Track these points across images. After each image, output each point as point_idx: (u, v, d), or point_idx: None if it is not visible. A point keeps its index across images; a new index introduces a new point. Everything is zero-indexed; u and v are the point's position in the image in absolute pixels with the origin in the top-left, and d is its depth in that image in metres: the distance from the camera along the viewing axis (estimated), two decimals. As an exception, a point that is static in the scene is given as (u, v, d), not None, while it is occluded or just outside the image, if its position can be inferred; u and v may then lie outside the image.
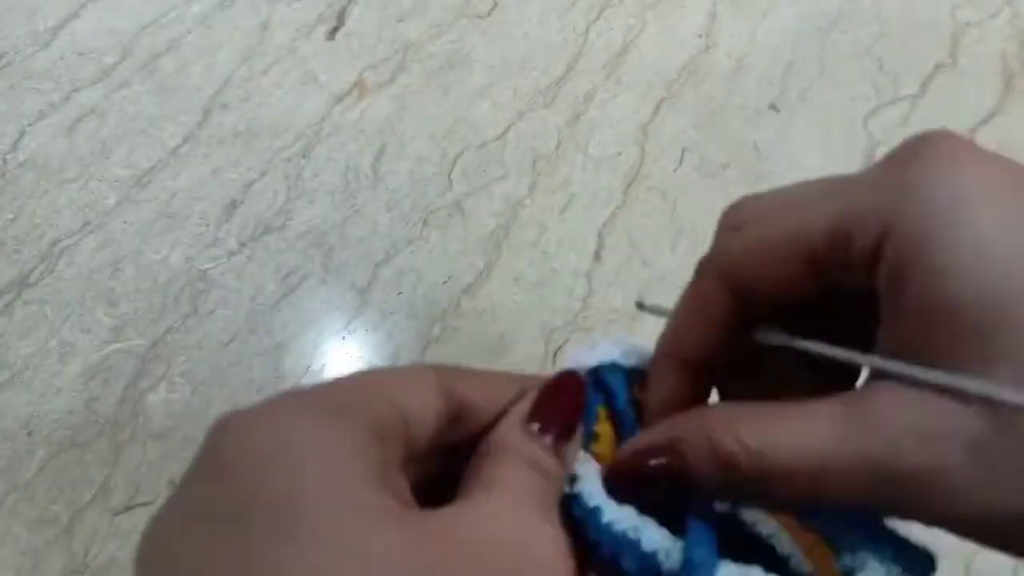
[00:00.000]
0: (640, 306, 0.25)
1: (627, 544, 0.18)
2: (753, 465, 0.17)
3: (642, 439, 0.20)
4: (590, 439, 0.21)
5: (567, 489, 0.20)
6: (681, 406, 0.21)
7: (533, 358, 0.57)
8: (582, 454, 0.20)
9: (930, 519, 0.17)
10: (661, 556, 0.18)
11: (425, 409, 0.19)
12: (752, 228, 0.21)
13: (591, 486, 0.20)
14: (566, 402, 0.21)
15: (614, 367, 0.22)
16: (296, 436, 0.16)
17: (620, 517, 0.19)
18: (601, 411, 0.22)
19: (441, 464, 0.20)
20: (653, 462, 0.19)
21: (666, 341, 0.22)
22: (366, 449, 0.16)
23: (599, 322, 0.59)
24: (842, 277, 0.19)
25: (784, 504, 0.19)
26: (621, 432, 0.22)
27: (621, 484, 0.20)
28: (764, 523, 0.20)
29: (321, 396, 0.18)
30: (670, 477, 0.19)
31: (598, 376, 0.22)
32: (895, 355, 0.17)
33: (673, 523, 0.19)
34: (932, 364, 0.16)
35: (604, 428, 0.22)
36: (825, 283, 0.20)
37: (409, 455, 0.19)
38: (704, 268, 0.22)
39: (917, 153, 0.18)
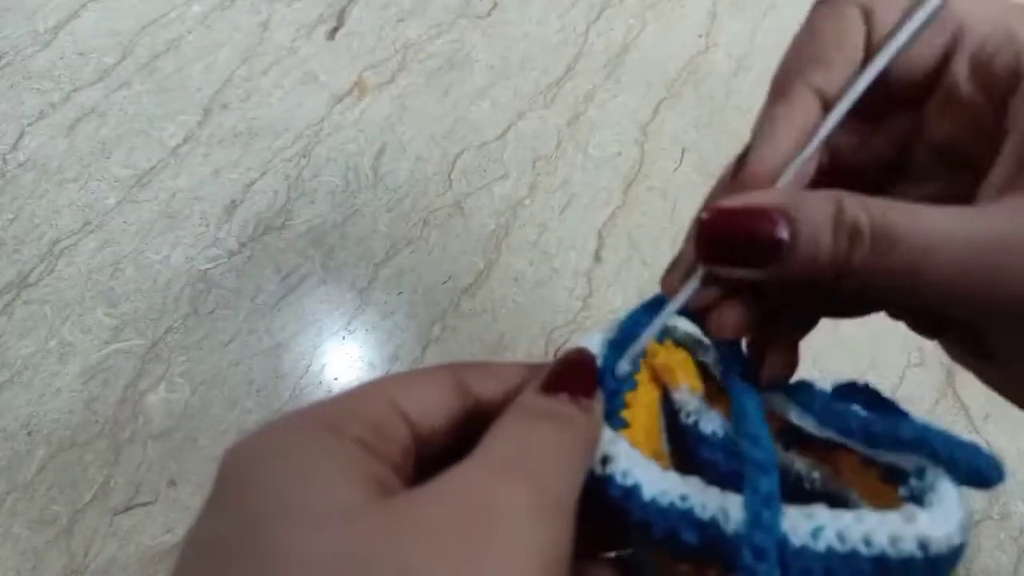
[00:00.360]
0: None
1: (680, 516, 0.17)
2: (880, 235, 0.16)
3: (757, 196, 0.18)
4: (617, 423, 0.19)
5: (598, 470, 0.18)
6: (798, 142, 0.19)
7: (533, 358, 0.57)
8: (609, 434, 0.19)
9: None
10: (720, 519, 0.16)
11: (431, 407, 0.18)
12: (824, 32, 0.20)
13: (626, 463, 0.18)
14: (581, 371, 0.19)
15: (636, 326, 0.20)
16: (283, 451, 0.16)
17: (664, 489, 0.17)
18: (639, 385, 0.20)
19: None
20: (769, 215, 0.17)
21: (800, 60, 0.20)
22: (346, 456, 0.16)
23: (599, 322, 0.59)
24: (974, 84, 0.19)
25: (888, 288, 0.17)
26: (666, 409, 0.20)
27: (711, 239, 0.18)
28: (813, 470, 0.19)
29: (319, 410, 0.17)
30: (772, 246, 0.17)
31: (622, 346, 0.20)
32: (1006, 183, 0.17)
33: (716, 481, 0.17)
34: None
35: (637, 413, 0.20)
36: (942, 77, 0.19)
37: (419, 453, 0.18)
38: (786, 73, 0.20)
39: None
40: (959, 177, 0.19)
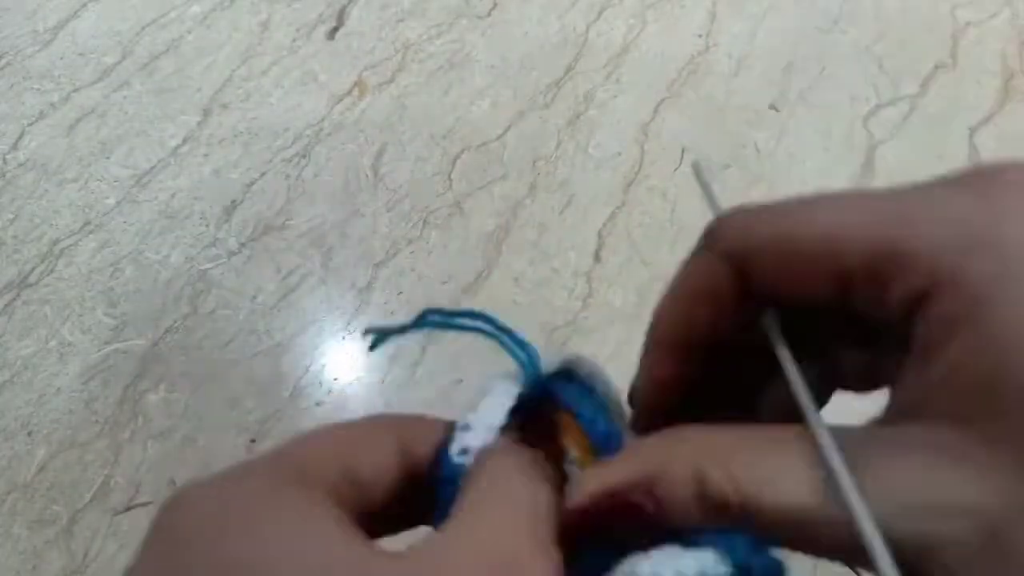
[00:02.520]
0: (697, 170, 0.21)
1: None
2: (742, 508, 0.15)
3: (614, 471, 0.17)
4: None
5: None
6: (673, 400, 0.19)
7: (533, 358, 0.57)
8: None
9: None
10: None
11: (378, 474, 0.18)
12: (782, 218, 0.18)
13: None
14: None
15: (561, 377, 0.20)
16: (252, 499, 0.16)
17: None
18: (565, 423, 0.20)
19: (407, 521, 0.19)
20: (628, 499, 0.17)
21: (663, 320, 0.20)
22: (325, 506, 0.16)
23: (599, 322, 0.59)
24: (868, 307, 0.16)
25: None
26: (594, 443, 0.19)
27: (586, 524, 0.17)
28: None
29: (273, 462, 0.17)
30: (642, 519, 0.16)
31: (547, 390, 0.20)
32: (908, 408, 0.15)
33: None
34: (942, 427, 0.14)
35: (573, 441, 0.19)
36: (846, 307, 0.17)
37: (364, 517, 0.17)
38: (713, 242, 0.19)
39: (989, 187, 0.15)
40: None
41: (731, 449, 0.16)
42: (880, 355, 0.17)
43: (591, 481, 0.18)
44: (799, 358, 0.18)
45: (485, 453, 0.18)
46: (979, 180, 0.15)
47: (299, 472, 0.16)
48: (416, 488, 0.18)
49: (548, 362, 0.20)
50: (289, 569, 0.14)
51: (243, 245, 0.63)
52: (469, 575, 0.14)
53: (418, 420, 0.20)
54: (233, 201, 0.66)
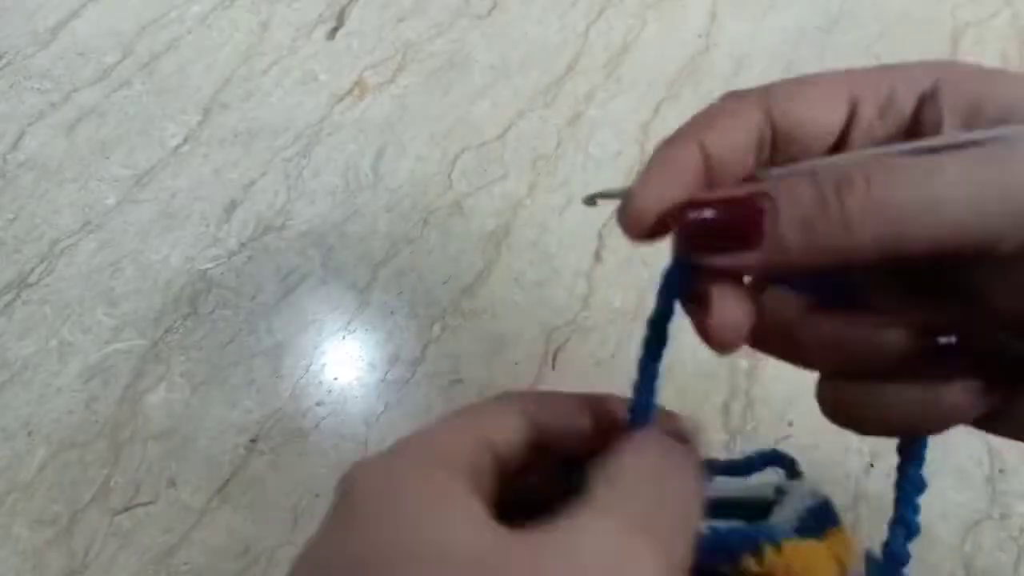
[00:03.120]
0: (590, 201, 0.23)
1: None
2: (876, 167, 0.16)
3: (728, 190, 0.18)
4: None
5: None
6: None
7: (533, 358, 0.57)
8: None
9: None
10: None
11: (511, 441, 0.20)
12: (796, 78, 0.21)
13: None
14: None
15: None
16: (407, 490, 0.17)
17: None
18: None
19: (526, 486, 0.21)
20: (740, 206, 0.17)
21: (694, 128, 0.20)
22: (468, 499, 0.17)
23: (599, 322, 0.59)
24: (880, 119, 0.19)
25: (872, 248, 0.16)
26: None
27: (693, 224, 0.18)
28: None
29: (426, 448, 0.19)
30: (755, 215, 0.17)
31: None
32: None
33: None
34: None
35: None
36: (861, 125, 0.19)
37: (502, 484, 0.20)
38: (742, 92, 0.21)
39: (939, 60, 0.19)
40: None
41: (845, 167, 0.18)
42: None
43: (705, 193, 0.19)
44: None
45: (641, 439, 0.19)
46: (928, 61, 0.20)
47: (446, 456, 0.18)
48: (547, 462, 0.21)
49: None
50: (439, 556, 0.16)
51: (243, 245, 0.63)
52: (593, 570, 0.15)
53: (542, 394, 0.22)
54: (233, 201, 0.66)
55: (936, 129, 0.18)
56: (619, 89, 0.73)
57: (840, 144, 0.20)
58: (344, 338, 0.58)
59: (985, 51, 0.76)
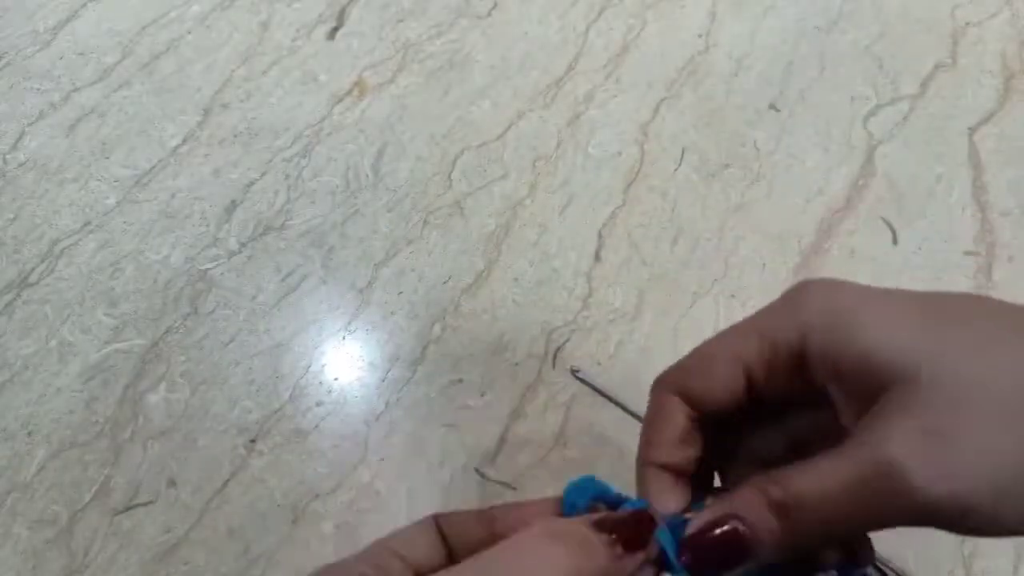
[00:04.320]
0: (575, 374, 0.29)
1: None
2: (797, 505, 0.22)
3: (705, 514, 0.24)
4: None
5: None
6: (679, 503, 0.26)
7: (533, 358, 0.57)
8: None
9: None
10: None
11: (419, 544, 0.24)
12: (695, 352, 0.27)
13: None
14: (633, 533, 0.24)
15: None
16: None
17: None
18: None
19: None
20: (719, 531, 0.23)
21: (644, 451, 0.27)
22: None
23: (599, 322, 0.59)
24: (769, 379, 0.25)
25: (825, 537, 0.23)
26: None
27: (697, 555, 0.23)
28: None
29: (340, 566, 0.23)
30: (736, 541, 0.22)
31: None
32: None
33: None
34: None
35: None
36: (756, 387, 0.26)
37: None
38: (658, 384, 0.28)
39: (805, 287, 0.25)
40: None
41: (779, 474, 0.23)
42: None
43: (694, 522, 0.24)
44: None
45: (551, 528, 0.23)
46: (798, 286, 0.26)
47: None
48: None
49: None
50: None
51: (243, 245, 0.63)
52: None
53: (455, 515, 0.25)
54: (233, 201, 0.66)
55: (818, 381, 0.24)
56: (619, 89, 0.73)
57: (751, 396, 0.26)
58: (344, 338, 0.58)
59: (985, 51, 0.76)
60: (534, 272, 0.62)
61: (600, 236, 0.64)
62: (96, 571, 0.49)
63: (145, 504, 0.51)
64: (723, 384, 0.26)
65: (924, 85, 0.74)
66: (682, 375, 0.27)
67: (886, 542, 0.48)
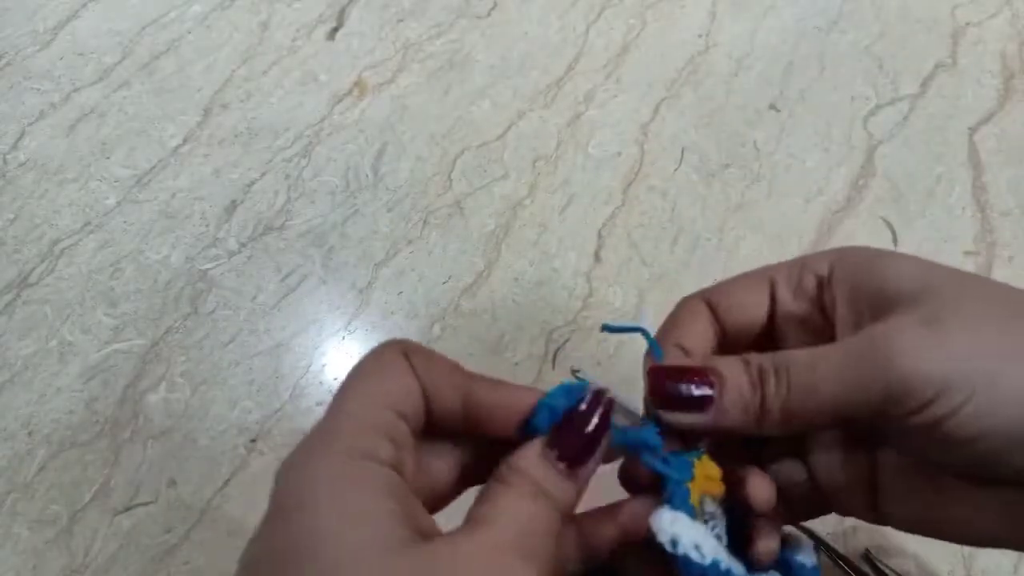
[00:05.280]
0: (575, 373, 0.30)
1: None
2: (780, 366, 0.23)
3: (687, 361, 0.25)
4: (687, 509, 0.23)
5: (669, 550, 0.22)
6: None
7: (533, 358, 0.57)
8: (683, 519, 0.23)
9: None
10: None
11: (412, 400, 0.23)
12: (726, 280, 0.29)
13: (700, 546, 0.22)
14: (590, 425, 0.23)
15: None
16: (321, 489, 0.19)
17: (729, 565, 0.23)
18: (699, 466, 0.25)
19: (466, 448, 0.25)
20: (695, 381, 0.24)
21: (668, 333, 0.29)
22: (377, 498, 0.19)
23: (599, 322, 0.59)
24: (791, 301, 0.27)
25: (799, 419, 0.23)
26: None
27: (661, 386, 0.24)
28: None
29: (344, 440, 0.21)
30: (702, 382, 0.23)
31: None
32: (852, 327, 0.25)
33: None
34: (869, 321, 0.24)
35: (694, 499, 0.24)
36: (781, 305, 0.27)
37: (417, 440, 0.23)
38: (688, 297, 0.29)
39: (844, 247, 0.27)
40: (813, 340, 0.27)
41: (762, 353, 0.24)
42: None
43: (674, 360, 0.26)
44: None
45: (509, 469, 0.22)
46: (832, 249, 0.28)
47: (364, 444, 0.21)
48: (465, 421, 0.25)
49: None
50: (331, 553, 0.18)
51: (243, 245, 0.63)
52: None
53: (418, 347, 0.25)
54: (233, 201, 0.66)
55: (832, 306, 0.26)
56: (619, 89, 0.73)
57: (771, 320, 0.28)
58: (344, 338, 0.58)
59: (985, 51, 0.76)
60: (534, 272, 0.62)
61: (600, 236, 0.64)
62: (96, 571, 0.49)
63: (145, 504, 0.51)
64: (751, 298, 0.27)
65: (924, 85, 0.74)
66: (711, 288, 0.29)
67: (885, 542, 0.48)
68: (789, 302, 0.27)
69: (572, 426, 0.23)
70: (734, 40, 0.77)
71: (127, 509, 0.51)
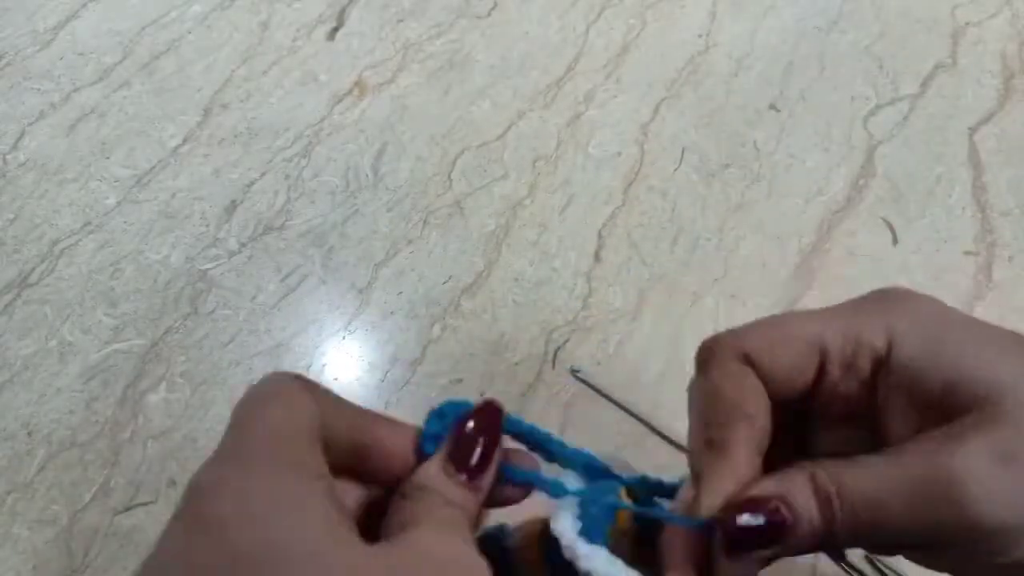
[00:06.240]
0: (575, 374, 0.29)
1: None
2: (845, 498, 0.21)
3: (754, 488, 0.22)
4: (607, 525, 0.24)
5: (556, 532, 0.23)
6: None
7: (533, 358, 0.57)
8: (586, 548, 0.23)
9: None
10: None
11: (316, 426, 0.21)
12: (767, 323, 0.24)
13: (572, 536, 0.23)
14: (483, 438, 0.23)
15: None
16: (265, 494, 0.19)
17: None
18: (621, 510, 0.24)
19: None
20: (764, 513, 0.22)
21: (705, 428, 0.24)
22: (320, 501, 0.19)
23: (599, 322, 0.59)
24: (842, 377, 0.24)
25: (864, 539, 0.22)
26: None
27: (732, 535, 0.22)
28: None
29: (272, 450, 0.20)
30: (778, 526, 0.21)
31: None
32: (908, 429, 0.22)
33: None
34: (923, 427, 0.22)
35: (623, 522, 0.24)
36: (828, 381, 0.24)
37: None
38: (718, 345, 0.24)
39: (891, 293, 0.24)
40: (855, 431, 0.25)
41: (833, 464, 0.22)
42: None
43: (740, 495, 0.22)
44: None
45: (412, 487, 0.23)
46: (881, 291, 0.24)
47: (291, 454, 0.20)
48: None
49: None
50: (299, 559, 0.17)
51: (243, 245, 0.63)
52: (436, 569, 0.19)
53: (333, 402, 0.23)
54: (233, 201, 0.66)
55: (886, 396, 0.23)
56: (619, 89, 0.73)
57: (813, 390, 0.24)
58: (344, 338, 0.58)
59: (985, 51, 0.76)
60: (534, 272, 0.62)
61: (600, 236, 0.64)
62: (96, 571, 0.49)
63: (145, 504, 0.51)
64: (797, 364, 0.24)
65: (924, 85, 0.74)
66: (752, 342, 0.24)
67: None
68: (837, 378, 0.24)
69: (466, 438, 0.23)
70: (734, 40, 0.77)
71: (127, 509, 0.51)
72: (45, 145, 0.69)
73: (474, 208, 0.65)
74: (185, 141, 0.69)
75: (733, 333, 0.25)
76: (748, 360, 0.24)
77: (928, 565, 0.24)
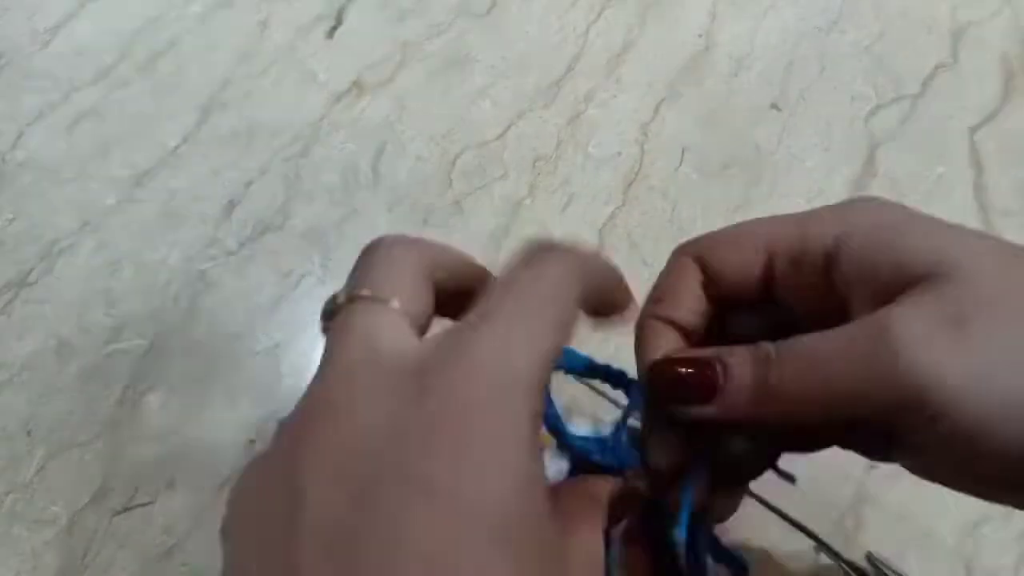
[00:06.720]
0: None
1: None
2: (784, 354, 0.21)
3: (691, 350, 0.24)
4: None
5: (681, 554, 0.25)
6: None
7: (533, 358, 0.57)
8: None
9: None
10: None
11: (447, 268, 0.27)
12: (726, 228, 0.28)
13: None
14: None
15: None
16: (366, 328, 0.26)
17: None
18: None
19: None
20: (691, 356, 0.23)
21: (651, 303, 0.28)
22: (405, 330, 0.26)
23: (599, 322, 0.59)
24: (790, 274, 0.25)
25: (801, 409, 0.22)
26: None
27: (665, 383, 0.24)
28: None
29: (384, 289, 0.26)
30: (706, 377, 0.22)
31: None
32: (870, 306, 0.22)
33: None
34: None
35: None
36: (779, 276, 0.25)
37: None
38: (679, 248, 0.29)
39: (854, 200, 0.25)
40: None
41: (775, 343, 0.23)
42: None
43: (680, 352, 0.25)
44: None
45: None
46: (845, 201, 0.25)
47: (402, 304, 0.26)
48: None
49: None
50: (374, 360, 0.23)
51: (242, 245, 0.63)
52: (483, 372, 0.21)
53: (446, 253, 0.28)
54: (232, 201, 0.66)
55: (843, 288, 0.23)
56: (619, 89, 0.73)
57: (767, 286, 0.26)
58: (344, 338, 0.58)
59: (985, 51, 0.76)
60: (534, 272, 0.62)
61: (600, 236, 0.64)
62: (96, 571, 0.49)
63: (145, 504, 0.51)
64: (744, 261, 0.26)
65: (925, 85, 0.73)
66: (706, 243, 0.27)
67: (886, 542, 0.48)
68: (788, 273, 0.25)
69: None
70: (734, 40, 0.77)
71: (126, 509, 0.51)
72: (44, 145, 0.69)
73: (474, 208, 0.65)
74: (184, 141, 0.69)
75: (694, 239, 0.28)
76: (700, 260, 0.27)
77: (892, 460, 0.25)
